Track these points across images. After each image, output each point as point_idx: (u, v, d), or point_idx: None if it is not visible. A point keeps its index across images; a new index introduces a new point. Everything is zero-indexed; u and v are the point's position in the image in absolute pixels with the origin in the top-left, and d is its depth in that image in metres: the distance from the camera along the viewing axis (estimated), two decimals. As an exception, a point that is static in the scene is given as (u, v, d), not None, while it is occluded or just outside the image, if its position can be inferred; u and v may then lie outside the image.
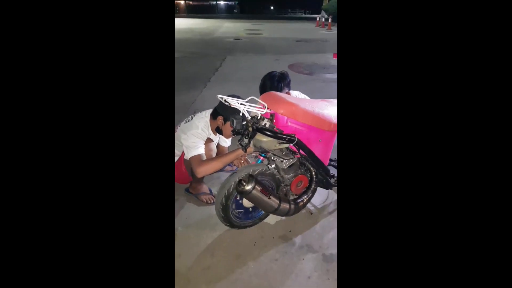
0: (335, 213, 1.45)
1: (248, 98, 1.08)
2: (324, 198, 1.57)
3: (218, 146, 1.62)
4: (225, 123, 1.40)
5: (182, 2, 36.92)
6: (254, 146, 1.14)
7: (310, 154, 1.22)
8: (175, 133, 1.46)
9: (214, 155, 1.49)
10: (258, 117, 1.08)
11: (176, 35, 9.08)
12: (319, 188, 1.40)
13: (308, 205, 1.48)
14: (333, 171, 1.46)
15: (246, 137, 1.09)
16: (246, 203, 1.25)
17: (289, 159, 1.19)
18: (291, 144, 1.13)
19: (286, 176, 1.23)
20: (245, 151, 1.14)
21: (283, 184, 1.27)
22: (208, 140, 1.46)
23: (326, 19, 13.96)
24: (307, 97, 1.69)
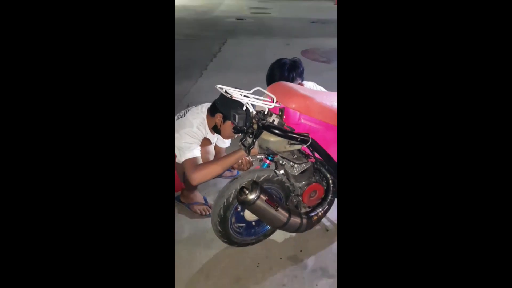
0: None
1: (253, 89, 1.08)
2: (343, 212, 1.57)
3: (214, 147, 1.63)
4: (224, 122, 1.40)
5: (174, -26, 37.27)
6: (259, 147, 1.15)
7: (327, 158, 1.23)
8: None
9: (211, 158, 1.50)
10: (265, 112, 1.08)
11: (166, 14, 9.08)
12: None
13: (324, 220, 1.48)
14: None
15: (250, 136, 1.09)
16: (248, 215, 1.26)
17: (301, 163, 1.20)
18: (304, 146, 1.14)
19: (298, 184, 1.24)
20: (248, 153, 1.15)
21: (293, 194, 1.28)
22: (205, 141, 1.46)
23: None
24: (323, 90, 1.70)
